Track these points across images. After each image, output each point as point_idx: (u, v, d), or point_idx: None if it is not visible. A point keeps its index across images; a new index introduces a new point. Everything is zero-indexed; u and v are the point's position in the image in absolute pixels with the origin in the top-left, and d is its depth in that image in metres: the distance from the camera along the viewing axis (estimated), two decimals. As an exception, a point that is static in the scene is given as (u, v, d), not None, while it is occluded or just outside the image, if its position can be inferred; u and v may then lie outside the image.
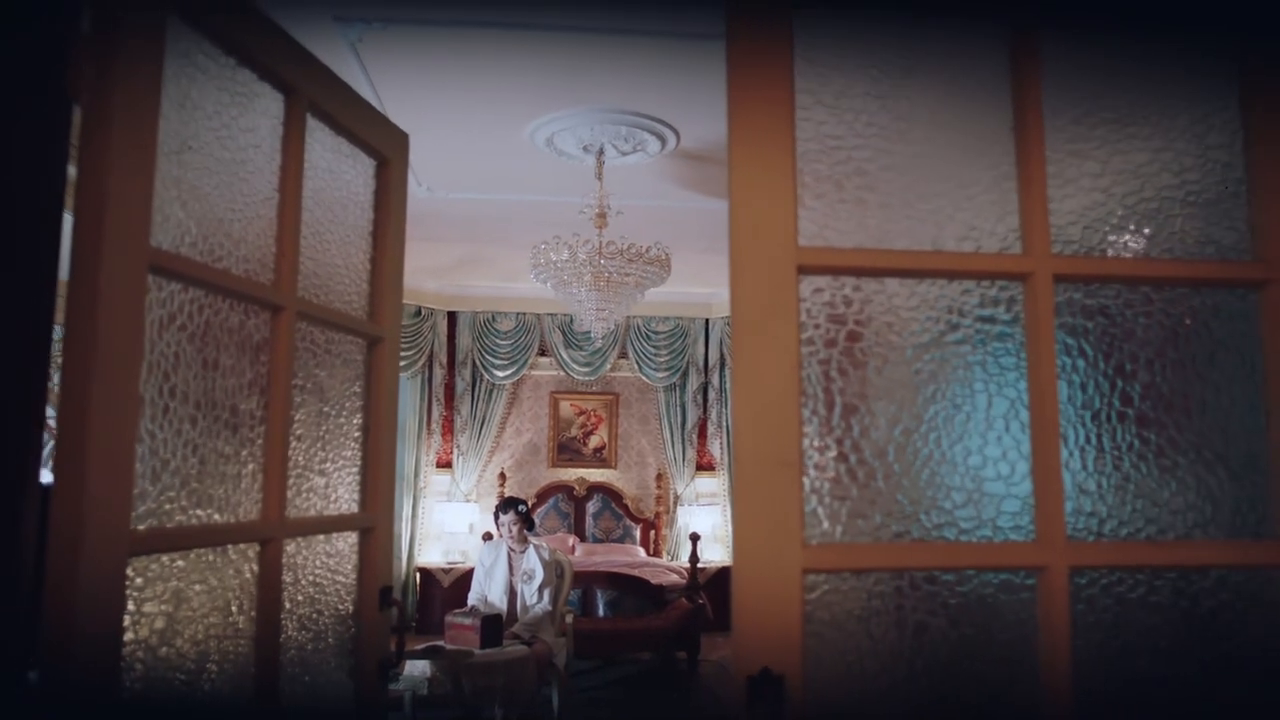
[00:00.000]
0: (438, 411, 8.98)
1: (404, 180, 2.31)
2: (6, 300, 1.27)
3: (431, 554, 8.72)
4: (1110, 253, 1.50)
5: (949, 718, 1.36)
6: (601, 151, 5.24)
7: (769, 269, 1.35)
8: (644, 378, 9.15)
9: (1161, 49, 1.52)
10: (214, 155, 1.64)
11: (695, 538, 7.29)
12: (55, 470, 1.29)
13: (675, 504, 9.12)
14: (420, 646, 4.81)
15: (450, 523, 8.58)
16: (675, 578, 7.47)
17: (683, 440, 9.15)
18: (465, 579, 7.09)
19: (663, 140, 5.17)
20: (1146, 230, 1.51)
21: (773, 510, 1.31)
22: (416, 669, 4.36)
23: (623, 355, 9.16)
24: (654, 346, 9.13)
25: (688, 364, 9.16)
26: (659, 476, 9.19)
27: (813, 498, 1.34)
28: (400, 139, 2.30)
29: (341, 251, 2.07)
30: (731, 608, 1.31)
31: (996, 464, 1.41)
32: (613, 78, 4.46)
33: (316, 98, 1.90)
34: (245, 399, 1.71)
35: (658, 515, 9.09)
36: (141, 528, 1.42)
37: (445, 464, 9.01)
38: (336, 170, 2.04)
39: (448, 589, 8.08)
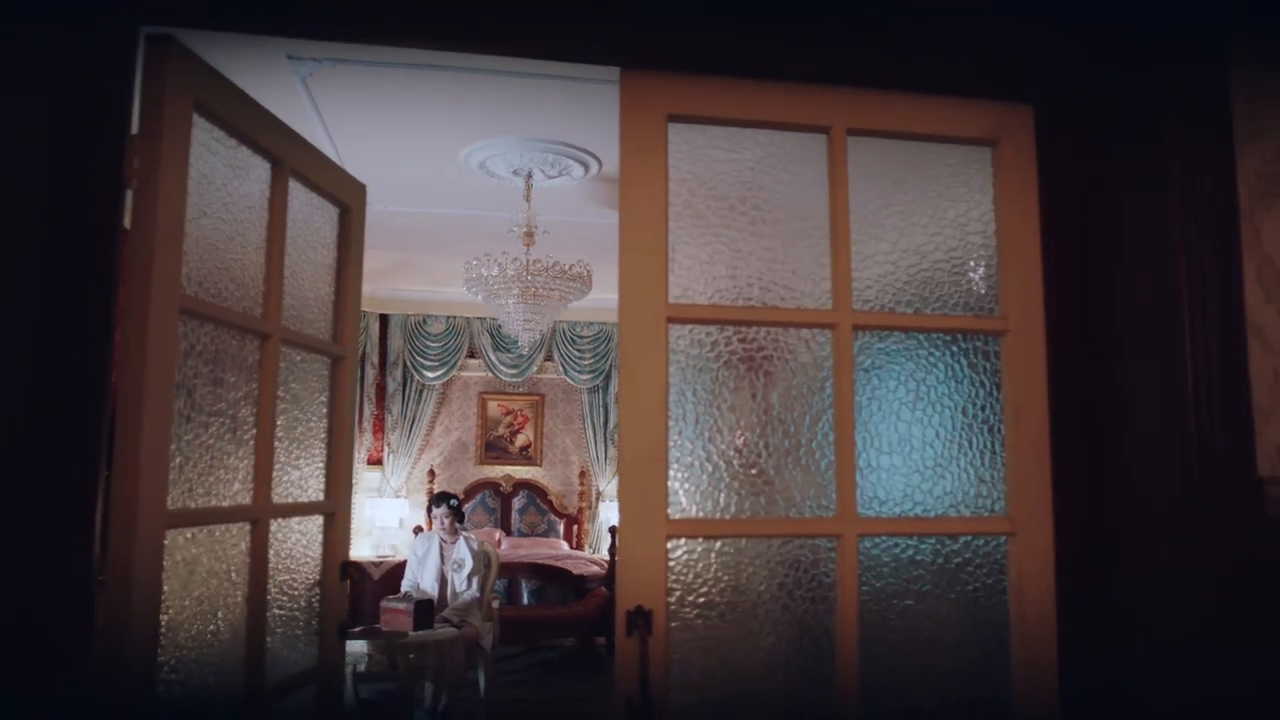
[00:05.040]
0: (369, 410, 9.32)
1: (362, 223, 2.77)
2: (82, 350, 1.71)
3: (362, 548, 9.04)
4: (896, 310, 2.06)
5: (767, 636, 1.90)
6: (530, 175, 5.72)
7: (646, 320, 1.87)
8: (569, 380, 9.65)
9: (936, 167, 2.10)
10: (220, 217, 2.08)
11: (614, 531, 7.81)
12: (115, 466, 1.73)
13: (597, 500, 9.64)
14: (358, 629, 5.21)
15: (381, 518, 8.92)
16: (595, 569, 7.98)
17: (605, 439, 9.67)
18: (396, 572, 7.43)
19: (586, 166, 5.68)
20: (924, 293, 2.08)
21: (646, 493, 1.83)
22: (355, 647, 4.78)
23: (549, 358, 9.64)
24: (579, 350, 9.64)
25: (610, 367, 9.68)
26: (582, 474, 9.70)
27: (675, 485, 1.88)
28: (359, 190, 2.75)
29: (312, 285, 2.52)
30: (616, 562, 1.83)
31: (810, 461, 1.97)
32: (541, 112, 4.95)
33: (296, 163, 2.35)
34: (241, 409, 2.16)
35: (580, 510, 9.60)
36: (173, 508, 1.86)
37: (376, 461, 9.35)
38: (309, 219, 2.50)
39: (378, 581, 8.40)
